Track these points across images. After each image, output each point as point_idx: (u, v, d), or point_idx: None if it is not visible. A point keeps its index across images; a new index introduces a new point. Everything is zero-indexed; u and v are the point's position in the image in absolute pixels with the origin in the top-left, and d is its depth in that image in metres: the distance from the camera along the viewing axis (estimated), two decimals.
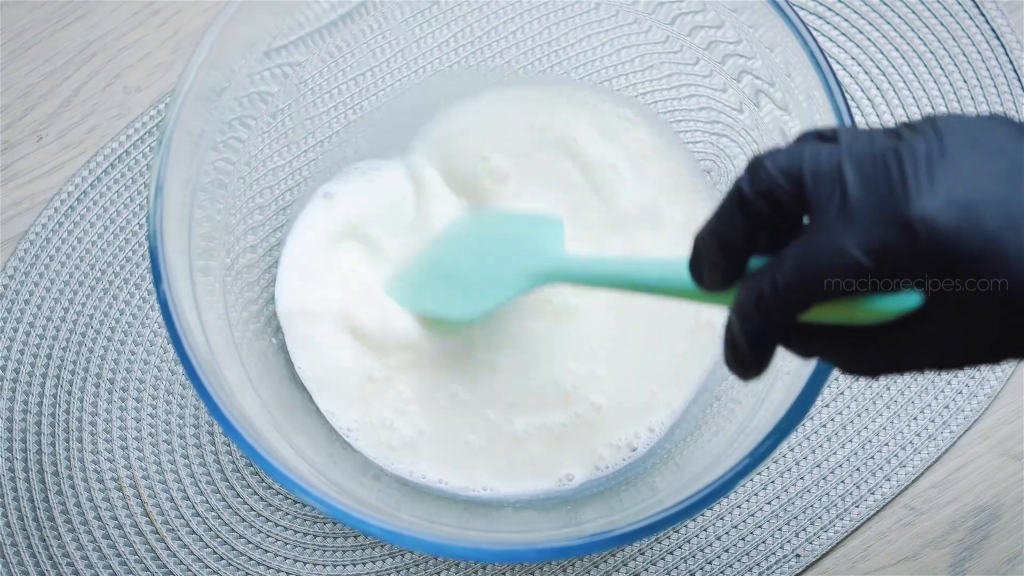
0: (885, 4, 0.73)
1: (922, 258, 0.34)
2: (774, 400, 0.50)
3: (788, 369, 0.52)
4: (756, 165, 0.37)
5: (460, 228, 0.63)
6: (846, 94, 0.71)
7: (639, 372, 0.63)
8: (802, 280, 0.36)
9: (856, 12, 0.73)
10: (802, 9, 0.73)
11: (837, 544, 0.64)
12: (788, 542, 0.64)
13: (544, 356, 0.62)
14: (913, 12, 0.73)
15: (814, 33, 0.72)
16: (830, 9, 0.73)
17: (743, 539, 0.64)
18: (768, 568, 0.64)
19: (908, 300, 0.35)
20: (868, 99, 0.71)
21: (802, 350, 0.39)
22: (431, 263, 0.62)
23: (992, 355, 0.36)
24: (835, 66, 0.72)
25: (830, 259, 0.35)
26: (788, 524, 0.64)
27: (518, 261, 0.56)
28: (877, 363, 0.38)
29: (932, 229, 0.33)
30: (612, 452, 0.62)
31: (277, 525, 0.65)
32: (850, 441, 0.65)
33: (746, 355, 0.39)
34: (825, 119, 0.52)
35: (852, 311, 0.36)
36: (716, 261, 0.39)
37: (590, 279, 0.52)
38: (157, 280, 0.50)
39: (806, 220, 0.37)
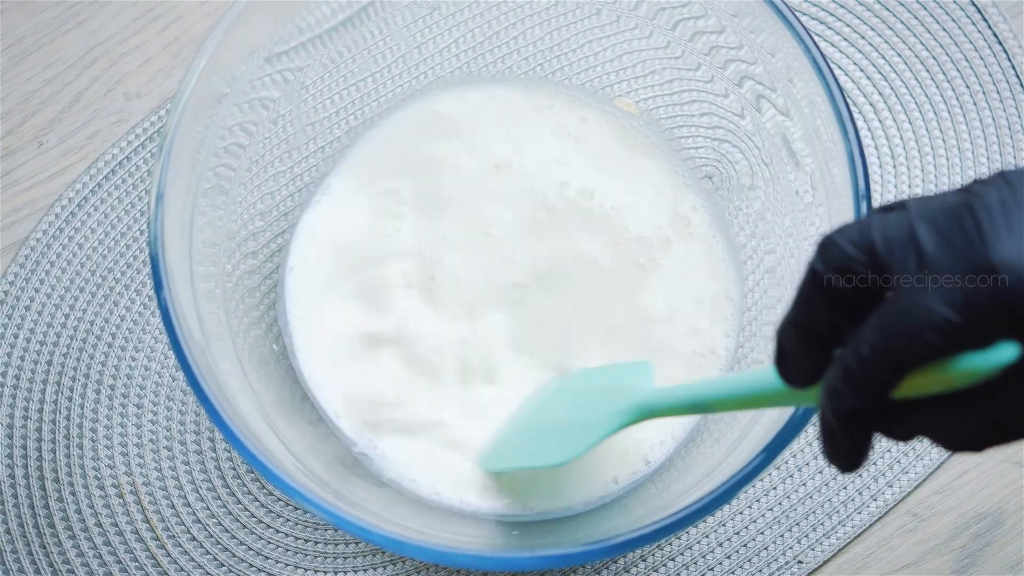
0: (887, 9, 0.73)
1: (1011, 305, 0.33)
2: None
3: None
4: (826, 243, 0.36)
5: (550, 392, 0.62)
6: (848, 99, 0.71)
7: None
8: (888, 346, 0.34)
9: (858, 17, 0.73)
10: (804, 15, 0.73)
11: (839, 550, 0.64)
12: (790, 548, 0.64)
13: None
14: (915, 17, 0.73)
15: (816, 38, 0.72)
16: (832, 15, 0.73)
17: (745, 545, 0.64)
18: (771, 574, 0.64)
19: (1004, 353, 0.34)
20: (870, 104, 0.71)
21: (900, 430, 0.37)
22: (520, 425, 0.61)
23: None
24: (837, 71, 0.72)
25: (915, 319, 0.34)
26: (790, 530, 0.64)
27: (610, 403, 0.55)
28: (981, 432, 0.36)
29: (1016, 273, 0.32)
30: (624, 468, 0.62)
31: (278, 532, 0.65)
32: None
33: (842, 441, 0.37)
34: (827, 124, 0.52)
35: (946, 376, 0.35)
36: (801, 352, 0.38)
37: (682, 408, 0.51)
38: (158, 287, 0.50)
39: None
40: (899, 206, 0.36)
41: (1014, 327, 0.33)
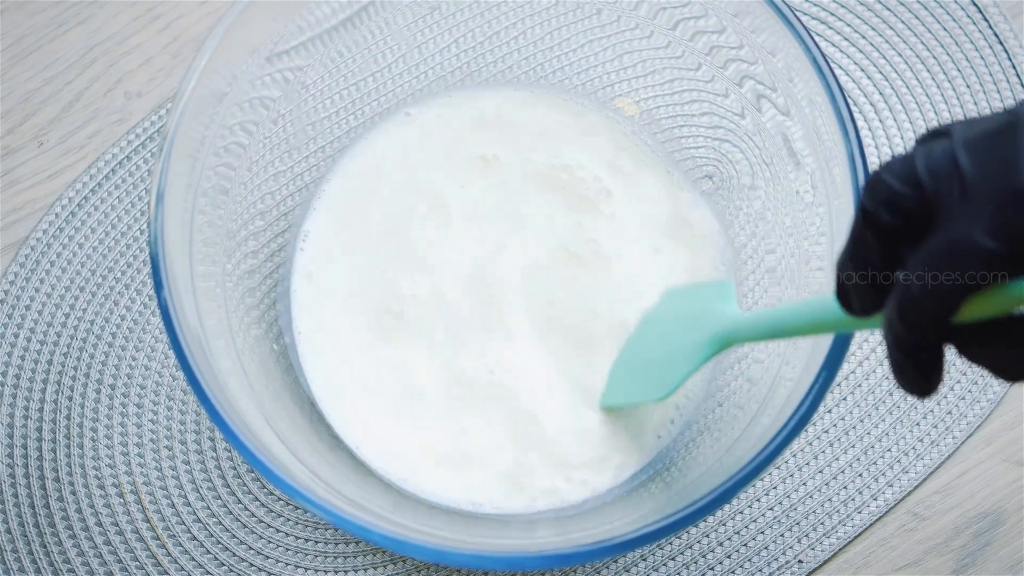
0: (887, 8, 0.73)
1: None
2: (777, 406, 0.50)
3: (791, 376, 0.52)
4: (873, 179, 0.36)
5: (648, 319, 0.63)
6: (848, 99, 0.71)
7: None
8: (936, 280, 0.34)
9: (859, 17, 0.73)
10: (804, 14, 0.73)
11: (839, 550, 0.64)
12: (790, 548, 0.64)
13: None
14: (916, 17, 0.73)
15: (816, 38, 0.72)
16: (832, 14, 0.73)
17: (745, 545, 0.64)
18: (771, 574, 0.64)
19: None
20: (871, 104, 0.71)
21: (964, 355, 0.38)
22: (625, 358, 0.62)
23: None
24: (837, 71, 0.72)
25: (959, 252, 0.34)
26: (790, 530, 0.64)
27: (698, 330, 0.56)
28: None
29: None
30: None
31: (278, 531, 0.65)
32: (852, 447, 0.65)
33: (908, 370, 0.37)
34: (827, 124, 0.52)
35: (998, 300, 0.35)
36: (860, 285, 0.38)
37: (762, 334, 0.51)
38: (158, 287, 0.50)
39: None
40: (945, 132, 0.36)
41: None
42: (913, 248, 0.36)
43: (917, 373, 0.37)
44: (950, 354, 0.67)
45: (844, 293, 0.40)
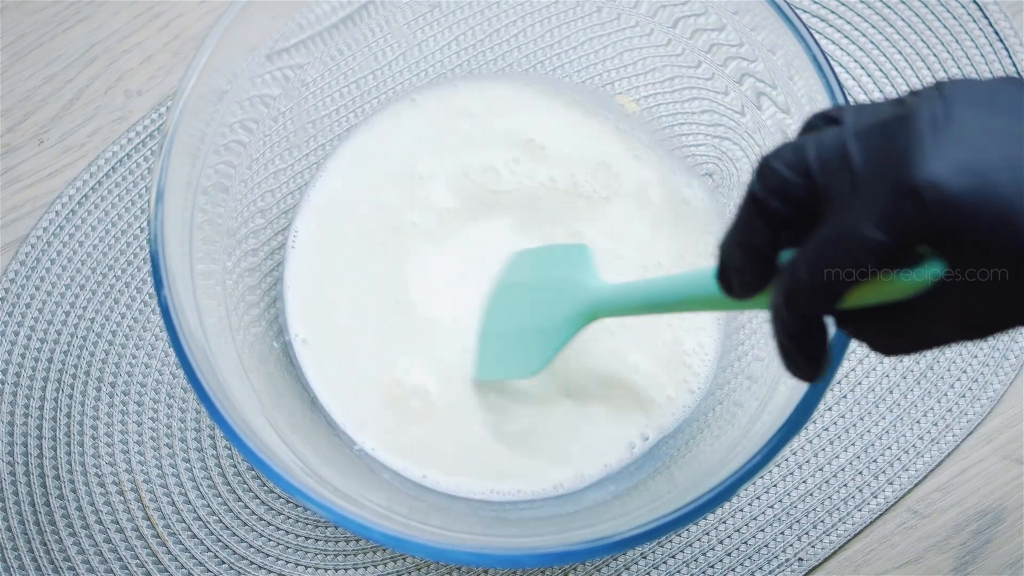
0: (888, 7, 0.73)
1: (934, 226, 0.33)
2: (777, 403, 0.50)
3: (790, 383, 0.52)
4: (764, 166, 0.37)
5: (502, 284, 0.63)
6: (849, 96, 0.71)
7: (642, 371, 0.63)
8: (823, 270, 0.35)
9: (859, 15, 0.73)
10: (804, 12, 0.73)
11: (840, 548, 0.64)
12: (791, 546, 0.64)
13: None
14: (916, 15, 0.73)
15: (817, 36, 0.72)
16: (833, 12, 0.73)
17: (746, 543, 0.64)
18: (771, 572, 0.64)
19: (931, 271, 0.35)
20: (871, 102, 0.71)
21: (842, 330, 0.39)
22: (492, 329, 0.63)
23: (1013, 321, 0.35)
24: (838, 69, 0.72)
25: (847, 243, 0.34)
26: (791, 528, 0.64)
27: (563, 304, 0.56)
28: (909, 340, 0.37)
29: (940, 194, 0.33)
30: (615, 451, 0.62)
31: (278, 529, 0.65)
32: (853, 445, 0.65)
33: (794, 355, 0.38)
34: None
35: (882, 290, 0.36)
36: (742, 269, 0.39)
37: (630, 308, 0.52)
38: (158, 284, 0.50)
39: None
40: (835, 119, 0.37)
41: (939, 245, 0.34)
42: (801, 235, 0.36)
43: (803, 358, 0.38)
44: (948, 354, 0.67)
45: (725, 275, 0.40)
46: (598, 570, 0.64)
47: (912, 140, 0.34)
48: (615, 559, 0.64)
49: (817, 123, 0.38)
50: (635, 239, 0.65)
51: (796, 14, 0.54)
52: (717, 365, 0.63)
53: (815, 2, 0.73)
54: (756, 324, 0.62)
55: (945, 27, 0.73)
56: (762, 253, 0.38)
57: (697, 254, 0.65)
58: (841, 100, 0.52)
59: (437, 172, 0.67)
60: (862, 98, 0.72)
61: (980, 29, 0.73)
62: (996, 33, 0.73)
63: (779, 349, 0.39)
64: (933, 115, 0.34)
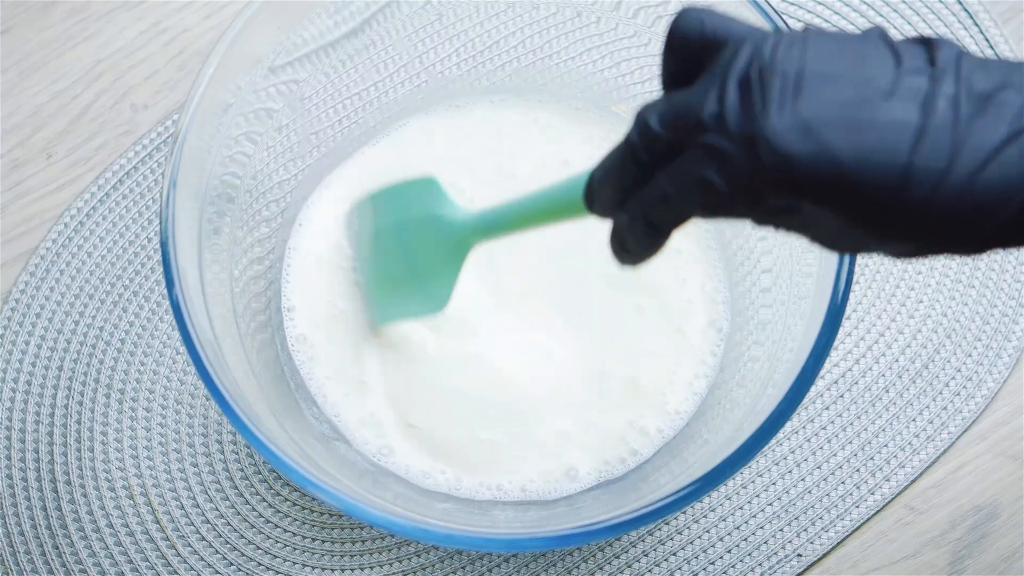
0: (880, 15, 0.74)
1: (766, 178, 0.35)
2: (772, 396, 0.51)
3: (781, 382, 0.52)
4: (640, 120, 0.39)
5: (374, 231, 0.65)
6: None
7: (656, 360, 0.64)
8: (665, 207, 0.38)
9: (852, 24, 0.74)
10: (797, 20, 0.74)
11: (838, 544, 0.64)
12: (790, 542, 0.64)
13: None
14: (908, 23, 0.74)
15: None
16: (821, 18, 0.74)
17: (745, 540, 0.64)
18: (770, 568, 0.64)
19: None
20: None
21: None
22: (379, 275, 0.65)
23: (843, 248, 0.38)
24: None
25: (687, 184, 0.37)
26: (790, 525, 0.65)
27: (439, 241, 0.59)
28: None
29: (773, 149, 0.34)
30: (618, 446, 0.62)
31: (285, 531, 0.65)
32: (850, 443, 0.66)
33: (632, 254, 0.42)
34: None
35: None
36: (609, 197, 0.42)
37: (499, 227, 0.54)
38: (169, 284, 0.50)
39: None
40: (722, 39, 0.38)
41: (769, 195, 0.36)
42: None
43: (640, 257, 0.42)
44: (943, 353, 0.67)
45: (592, 199, 0.43)
46: (600, 567, 0.64)
47: (769, 92, 0.35)
48: (616, 556, 0.64)
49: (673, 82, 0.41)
50: None
51: (785, 22, 0.55)
52: (724, 358, 0.64)
53: (806, 10, 0.74)
54: (748, 328, 0.62)
55: (936, 34, 0.73)
56: (628, 188, 0.41)
57: None
58: None
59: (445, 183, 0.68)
60: None
61: (971, 36, 0.73)
62: (987, 40, 0.73)
63: (613, 242, 0.43)
64: (786, 70, 0.35)
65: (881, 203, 0.35)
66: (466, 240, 0.57)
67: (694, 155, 0.37)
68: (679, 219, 0.39)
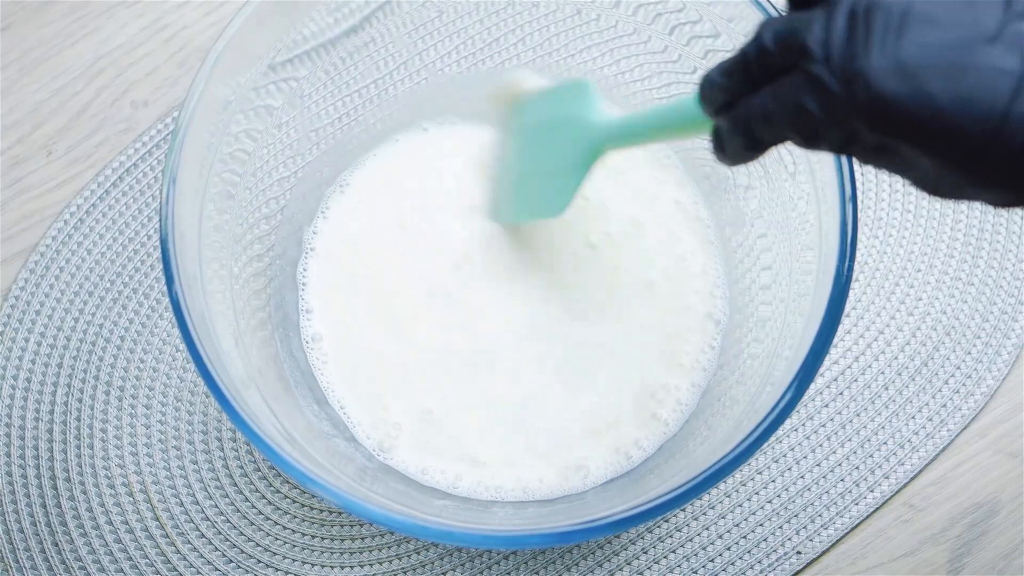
0: None
1: (861, 115, 0.36)
2: (771, 394, 0.51)
3: (780, 379, 0.52)
4: (758, 34, 0.40)
5: (513, 129, 0.65)
6: None
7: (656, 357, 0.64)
8: (764, 123, 0.39)
9: None
10: None
11: (837, 541, 0.65)
12: (789, 540, 0.64)
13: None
14: None
15: None
16: None
17: (744, 537, 0.64)
18: (769, 565, 0.64)
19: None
20: None
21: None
22: (508, 174, 0.65)
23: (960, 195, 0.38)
24: None
25: (787, 106, 0.38)
26: (789, 522, 0.65)
27: (573, 142, 0.59)
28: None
29: (869, 87, 0.35)
30: (624, 450, 0.62)
31: (285, 528, 0.65)
32: (850, 440, 0.66)
33: (728, 157, 0.43)
34: None
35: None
36: (717, 103, 0.42)
37: (630, 138, 0.55)
38: (169, 281, 0.51)
39: None
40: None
41: (860, 128, 0.36)
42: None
43: (741, 158, 0.43)
44: (942, 351, 0.67)
45: (701, 97, 0.43)
46: (600, 565, 0.64)
47: (867, 31, 0.36)
48: (616, 553, 0.64)
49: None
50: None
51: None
52: (721, 356, 0.64)
53: None
54: (745, 324, 0.63)
55: None
56: (734, 95, 0.41)
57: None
58: None
59: (455, 187, 0.68)
60: None
61: None
62: None
63: (716, 142, 0.44)
64: (891, 7, 0.36)
65: (977, 149, 0.35)
66: (598, 145, 0.57)
67: (797, 79, 0.37)
68: (776, 138, 0.40)
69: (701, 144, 0.66)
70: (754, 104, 0.40)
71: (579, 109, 0.59)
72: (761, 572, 0.64)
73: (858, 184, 0.69)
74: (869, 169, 0.71)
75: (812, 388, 0.67)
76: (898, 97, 0.35)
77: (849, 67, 0.35)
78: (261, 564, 0.64)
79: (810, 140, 0.38)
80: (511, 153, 0.65)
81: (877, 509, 0.65)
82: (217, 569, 0.64)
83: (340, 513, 0.65)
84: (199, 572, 0.64)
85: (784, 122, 0.38)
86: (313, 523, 0.65)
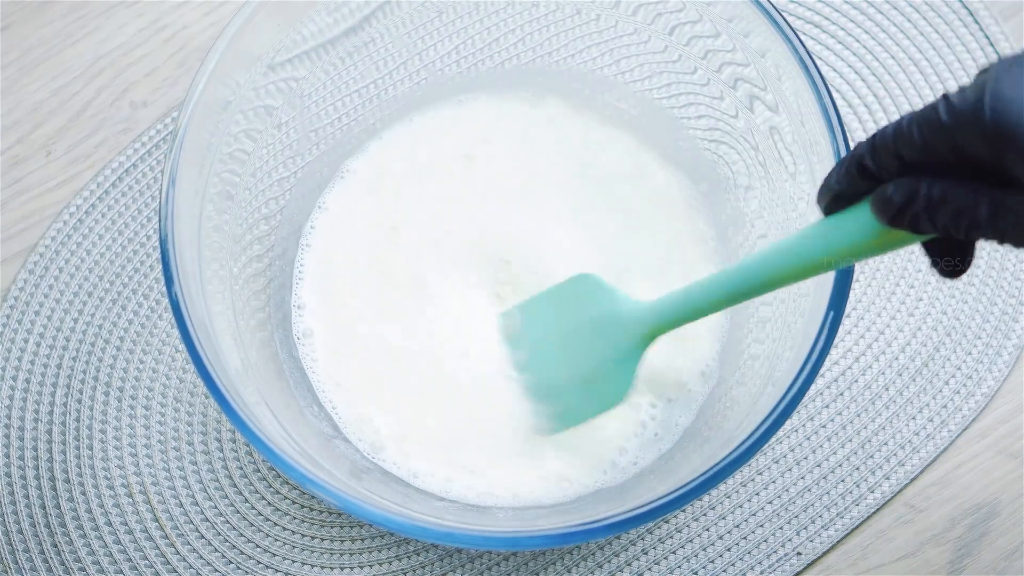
0: (880, 12, 0.74)
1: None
2: (772, 395, 0.51)
3: (781, 380, 0.52)
4: (873, 147, 0.40)
5: (531, 341, 0.64)
6: (843, 99, 0.72)
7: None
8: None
9: (852, 21, 0.74)
10: (798, 19, 0.74)
11: (838, 542, 0.65)
12: (789, 540, 0.64)
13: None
14: (908, 20, 0.74)
15: (811, 41, 0.73)
16: (826, 18, 0.74)
17: (744, 538, 0.64)
18: (769, 566, 0.64)
19: None
20: (865, 106, 0.72)
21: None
22: (546, 384, 0.63)
23: None
24: (832, 74, 0.73)
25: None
26: (789, 523, 0.65)
27: (614, 339, 0.58)
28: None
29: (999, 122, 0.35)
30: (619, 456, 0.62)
31: (284, 529, 0.65)
32: (850, 441, 0.66)
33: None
34: (812, 115, 0.53)
35: None
36: (840, 196, 0.43)
37: (687, 316, 0.54)
38: (168, 282, 0.51)
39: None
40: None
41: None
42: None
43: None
44: (943, 351, 0.67)
45: (825, 200, 0.44)
46: (600, 566, 0.64)
47: (985, 83, 0.36)
48: (616, 554, 0.64)
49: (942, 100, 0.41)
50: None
51: (784, 18, 0.55)
52: (722, 355, 0.64)
53: (809, 8, 0.74)
54: (748, 325, 0.63)
55: (937, 32, 0.74)
56: (860, 194, 0.42)
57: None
58: (826, 97, 0.53)
59: (450, 183, 0.68)
60: (856, 102, 0.72)
61: (971, 34, 0.73)
62: (987, 37, 0.73)
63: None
64: (1006, 64, 0.36)
65: None
66: (651, 332, 0.57)
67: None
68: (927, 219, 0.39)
69: (702, 143, 0.66)
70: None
71: (606, 305, 0.58)
72: (762, 573, 0.64)
73: None
74: None
75: (812, 388, 0.67)
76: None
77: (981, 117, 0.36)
78: (261, 565, 0.64)
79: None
80: (540, 364, 0.63)
81: (878, 510, 0.65)
82: (217, 570, 0.64)
83: (340, 514, 0.65)
84: (199, 573, 0.64)
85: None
86: (313, 524, 0.65)
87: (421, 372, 0.64)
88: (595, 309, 0.59)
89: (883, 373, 0.67)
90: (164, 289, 0.68)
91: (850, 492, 0.65)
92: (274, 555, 0.65)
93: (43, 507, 0.65)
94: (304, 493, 0.66)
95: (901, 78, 0.73)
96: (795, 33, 0.54)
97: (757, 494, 0.65)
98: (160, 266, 0.68)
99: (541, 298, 0.63)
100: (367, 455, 0.62)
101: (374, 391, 0.63)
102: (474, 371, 0.64)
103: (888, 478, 0.65)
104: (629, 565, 0.64)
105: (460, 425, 0.63)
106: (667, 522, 0.65)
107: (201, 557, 0.65)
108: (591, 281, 0.60)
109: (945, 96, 0.37)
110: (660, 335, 0.57)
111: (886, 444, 0.66)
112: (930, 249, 0.43)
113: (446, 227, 0.67)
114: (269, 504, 0.65)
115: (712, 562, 0.64)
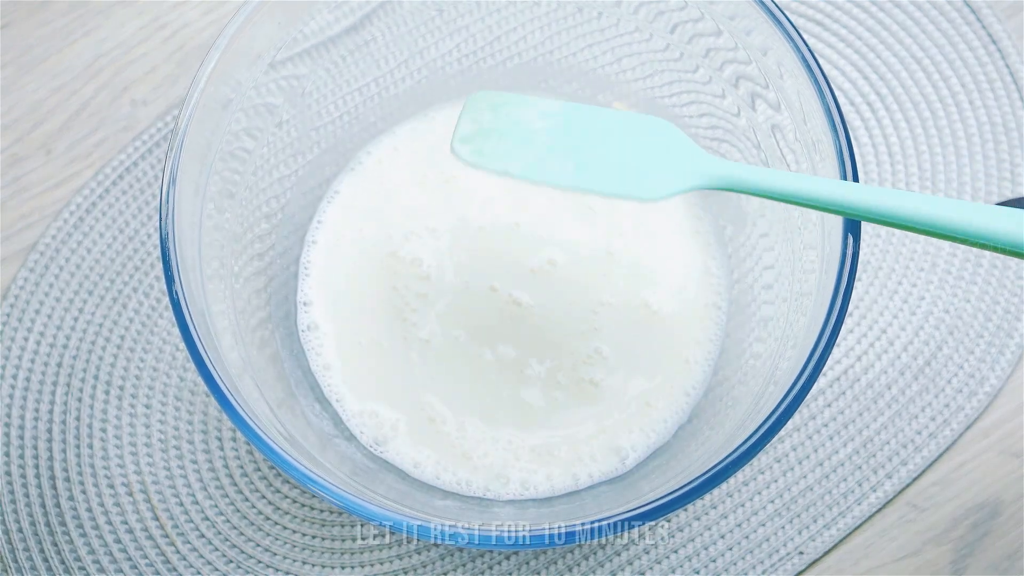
0: (882, 11, 0.74)
1: None
2: (774, 394, 0.51)
3: (783, 379, 0.52)
4: None
5: (569, 115, 0.54)
6: (845, 97, 0.72)
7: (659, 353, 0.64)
8: None
9: (854, 19, 0.74)
10: (800, 16, 0.74)
11: (840, 541, 0.64)
12: (791, 540, 0.64)
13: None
14: (910, 18, 0.74)
15: (813, 39, 0.73)
16: (828, 16, 0.74)
17: (746, 537, 0.64)
18: (771, 565, 0.64)
19: None
20: (867, 104, 0.72)
21: None
22: (542, 133, 0.53)
23: None
24: (834, 72, 0.73)
25: None
26: (791, 522, 0.65)
27: (673, 157, 0.50)
28: None
29: None
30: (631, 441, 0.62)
31: (285, 528, 0.65)
32: (852, 440, 0.66)
33: None
34: (814, 113, 0.53)
35: None
36: None
37: (780, 195, 0.48)
38: (169, 281, 0.51)
39: None
40: None
41: None
42: None
43: None
44: (945, 350, 0.67)
45: None
46: (601, 565, 0.64)
47: None
48: (618, 553, 0.64)
49: None
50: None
51: (786, 16, 0.54)
52: (720, 358, 0.64)
53: (810, 7, 0.74)
54: (748, 326, 0.63)
55: (939, 30, 0.73)
56: None
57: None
58: (828, 95, 0.53)
59: (455, 181, 0.68)
60: (858, 100, 0.72)
61: (973, 32, 0.73)
62: (990, 36, 0.73)
63: None
64: None
65: None
66: (716, 180, 0.49)
67: None
68: None
69: (704, 141, 0.66)
70: None
71: (676, 141, 0.51)
72: (763, 572, 0.64)
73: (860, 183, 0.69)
74: (871, 168, 0.71)
75: (814, 388, 0.67)
76: None
77: None
78: (261, 564, 0.64)
79: None
80: (561, 122, 0.53)
81: (880, 509, 0.65)
82: (217, 569, 0.64)
83: (340, 513, 0.65)
84: (199, 572, 0.64)
85: None
86: (313, 523, 0.65)
87: (428, 364, 0.64)
88: (655, 134, 0.51)
89: (885, 372, 0.67)
90: (164, 288, 0.68)
91: (852, 491, 0.65)
92: (274, 554, 0.65)
93: (43, 506, 0.65)
94: (305, 492, 0.66)
95: (903, 76, 0.73)
96: (797, 31, 0.54)
97: (759, 493, 0.65)
98: (160, 265, 0.68)
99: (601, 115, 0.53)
100: (370, 447, 0.62)
101: (379, 383, 0.63)
102: (482, 362, 0.64)
103: (890, 477, 0.65)
104: (630, 564, 0.64)
105: (466, 417, 0.63)
106: (668, 521, 0.65)
107: (201, 556, 0.65)
108: (664, 125, 0.51)
109: None
110: (728, 189, 0.50)
111: (888, 443, 0.66)
112: None
113: (451, 222, 0.67)
114: (270, 503, 0.65)
115: (714, 561, 0.64)
